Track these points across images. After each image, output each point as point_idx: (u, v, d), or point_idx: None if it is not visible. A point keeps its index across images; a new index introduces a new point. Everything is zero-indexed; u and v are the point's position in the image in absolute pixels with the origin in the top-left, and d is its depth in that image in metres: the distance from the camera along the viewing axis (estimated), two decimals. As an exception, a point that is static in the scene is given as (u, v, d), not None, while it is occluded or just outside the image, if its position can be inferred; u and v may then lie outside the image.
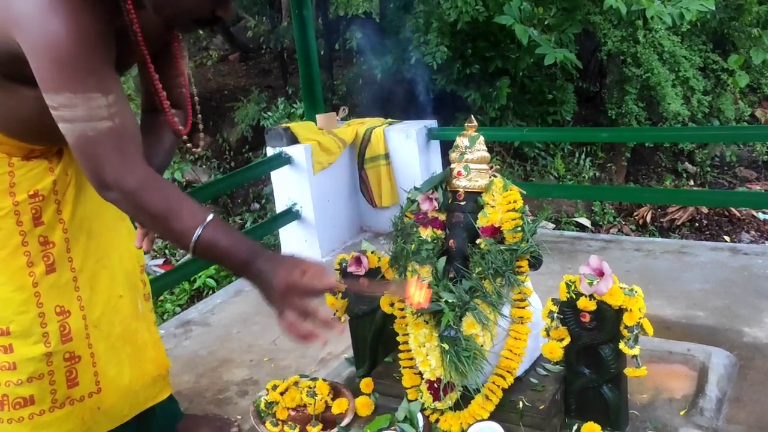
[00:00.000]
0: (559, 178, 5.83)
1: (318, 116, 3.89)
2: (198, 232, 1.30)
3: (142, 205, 1.32)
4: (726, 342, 2.33)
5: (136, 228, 1.63)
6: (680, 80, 5.74)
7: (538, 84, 5.75)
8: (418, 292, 1.52)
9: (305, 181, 3.62)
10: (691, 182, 6.34)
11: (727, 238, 5.37)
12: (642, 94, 5.78)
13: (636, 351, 1.78)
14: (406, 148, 3.81)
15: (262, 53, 8.43)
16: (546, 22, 4.81)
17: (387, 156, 3.85)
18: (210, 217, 1.33)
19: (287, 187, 3.69)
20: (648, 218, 5.58)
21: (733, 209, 5.64)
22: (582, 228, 5.41)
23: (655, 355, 2.21)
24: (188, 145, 1.61)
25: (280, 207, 3.76)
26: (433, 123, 3.98)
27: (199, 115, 1.61)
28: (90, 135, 1.27)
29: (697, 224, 5.52)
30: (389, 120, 4.04)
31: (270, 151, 3.67)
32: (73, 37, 1.22)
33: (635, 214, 5.70)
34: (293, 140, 3.64)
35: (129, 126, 1.33)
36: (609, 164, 6.11)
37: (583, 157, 5.90)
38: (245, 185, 6.34)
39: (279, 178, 3.70)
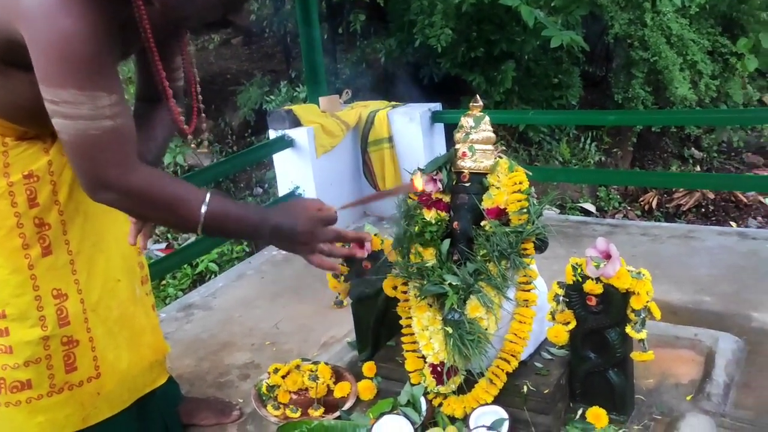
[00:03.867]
0: (564, 162, 5.78)
1: (321, 99, 3.85)
2: (203, 209, 1.33)
3: (149, 201, 1.34)
4: (734, 327, 2.30)
5: None
6: (688, 64, 5.66)
7: (543, 68, 5.68)
8: (417, 179, 1.73)
9: (308, 165, 3.59)
10: (698, 168, 6.27)
11: (733, 223, 5.32)
12: (649, 78, 5.70)
13: (643, 335, 1.75)
14: (410, 131, 3.77)
15: (265, 37, 8.36)
16: (552, 4, 4.74)
17: (390, 139, 3.81)
18: (209, 193, 1.35)
19: (290, 170, 3.66)
20: (654, 204, 5.53)
21: (739, 194, 5.58)
22: (587, 213, 5.37)
23: (662, 340, 2.18)
24: (192, 145, 1.62)
25: (282, 191, 3.72)
26: (437, 106, 3.93)
27: (202, 105, 1.60)
28: (92, 134, 1.26)
29: (703, 210, 5.47)
30: (393, 103, 4.00)
31: (272, 134, 3.64)
32: (84, 35, 1.21)
33: (641, 199, 5.65)
34: (296, 123, 3.60)
35: (129, 126, 1.33)
36: (615, 149, 6.06)
37: (588, 141, 5.84)
38: (248, 169, 6.31)
39: (281, 161, 3.67)
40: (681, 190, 5.63)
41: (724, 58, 6.07)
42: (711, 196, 5.57)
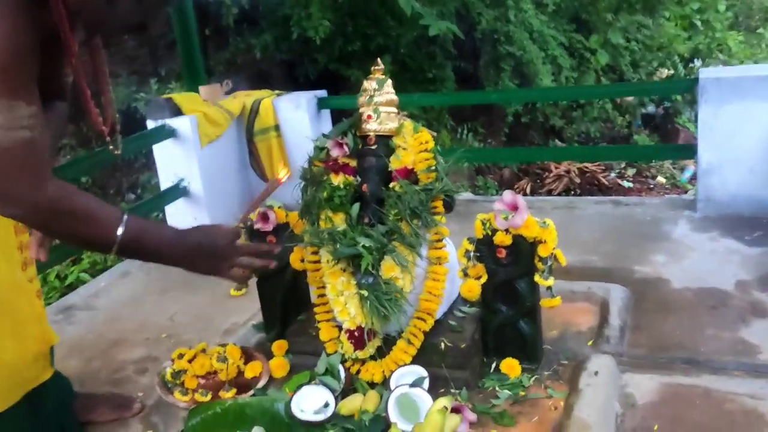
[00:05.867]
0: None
1: (201, 88, 3.70)
2: (120, 230, 1.30)
3: (60, 218, 1.27)
4: (620, 279, 2.46)
5: None
6: (549, 58, 6.06)
7: (418, 62, 5.83)
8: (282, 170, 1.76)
9: (192, 156, 3.43)
10: (561, 158, 6.72)
11: (597, 205, 5.74)
12: (516, 70, 6.03)
13: (551, 282, 1.83)
14: (297, 119, 3.72)
15: (125, 39, 7.94)
16: (427, -6, 4.87)
17: (277, 128, 3.73)
18: (125, 214, 1.33)
19: (172, 161, 3.47)
20: (527, 190, 5.85)
21: (602, 179, 6.04)
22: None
23: (560, 295, 2.27)
24: (110, 147, 1.59)
25: (165, 184, 3.53)
26: (323, 93, 3.91)
27: (117, 115, 1.58)
28: (5, 145, 1.18)
29: (572, 193, 5.85)
30: (277, 91, 3.92)
31: (151, 124, 3.44)
32: (9, 46, 1.16)
33: (515, 186, 5.95)
34: (177, 112, 3.43)
35: (44, 138, 1.27)
36: (489, 140, 6.34)
37: (465, 132, 6.07)
38: (116, 175, 5.93)
39: (163, 152, 3.48)
40: (551, 176, 6.00)
41: (579, 53, 6.56)
42: (577, 180, 5.98)
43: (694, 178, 5.90)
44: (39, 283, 1.78)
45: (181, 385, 1.95)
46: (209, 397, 1.90)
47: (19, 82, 1.20)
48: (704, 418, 1.66)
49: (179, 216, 3.56)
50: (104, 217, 1.31)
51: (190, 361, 1.99)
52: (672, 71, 7.06)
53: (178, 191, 3.47)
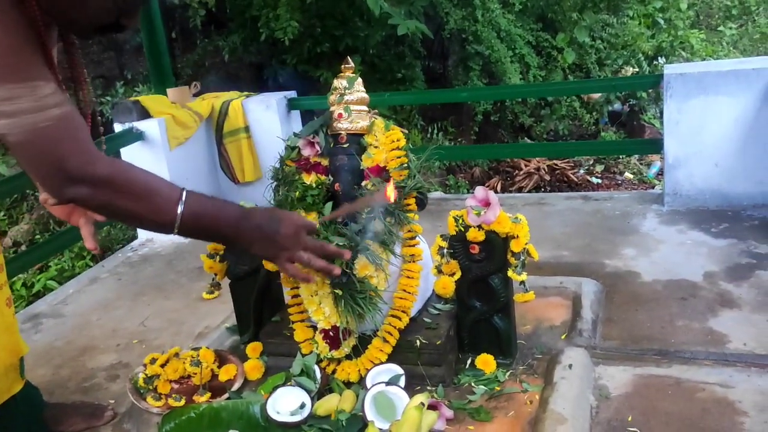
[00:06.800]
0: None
1: (169, 90, 3.65)
2: (180, 208, 1.24)
3: (121, 192, 1.22)
4: (591, 274, 2.49)
5: None
6: (517, 57, 6.11)
7: (387, 63, 5.84)
8: (390, 188, 1.67)
9: (161, 158, 3.38)
10: (530, 155, 6.78)
11: (567, 201, 5.80)
12: (485, 69, 6.07)
13: (524, 277, 1.84)
14: (267, 120, 3.69)
15: (90, 44, 7.81)
16: (395, -6, 4.88)
17: (247, 129, 3.70)
18: (184, 190, 1.27)
19: (141, 165, 3.36)
20: (499, 187, 5.89)
21: (570, 175, 6.11)
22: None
23: (533, 290, 2.29)
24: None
25: (133, 188, 3.46)
26: (292, 93, 3.89)
27: (97, 108, 1.49)
28: (42, 126, 1.14)
29: (542, 190, 5.91)
30: (246, 93, 3.89)
31: (118, 127, 3.38)
32: (6, 26, 1.12)
33: (486, 184, 5.98)
34: (144, 115, 3.38)
35: (77, 112, 1.22)
36: (459, 139, 6.37)
37: (436, 132, 6.09)
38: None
39: (131, 155, 3.42)
40: (521, 174, 6.06)
41: (546, 51, 6.63)
42: (547, 177, 6.04)
43: (660, 174, 6.01)
44: (9, 291, 1.73)
45: (154, 390, 1.92)
46: (183, 401, 1.87)
47: (30, 62, 1.15)
48: (677, 407, 1.69)
49: (149, 220, 3.51)
50: (164, 193, 1.25)
51: (162, 366, 1.97)
52: (637, 69, 7.17)
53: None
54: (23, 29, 1.15)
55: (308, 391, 1.80)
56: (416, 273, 1.87)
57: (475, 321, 1.93)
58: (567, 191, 5.93)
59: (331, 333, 1.85)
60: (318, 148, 1.91)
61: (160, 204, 1.25)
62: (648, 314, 2.18)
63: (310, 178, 1.90)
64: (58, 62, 1.39)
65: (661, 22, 7.18)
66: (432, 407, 1.64)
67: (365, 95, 1.92)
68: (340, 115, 1.89)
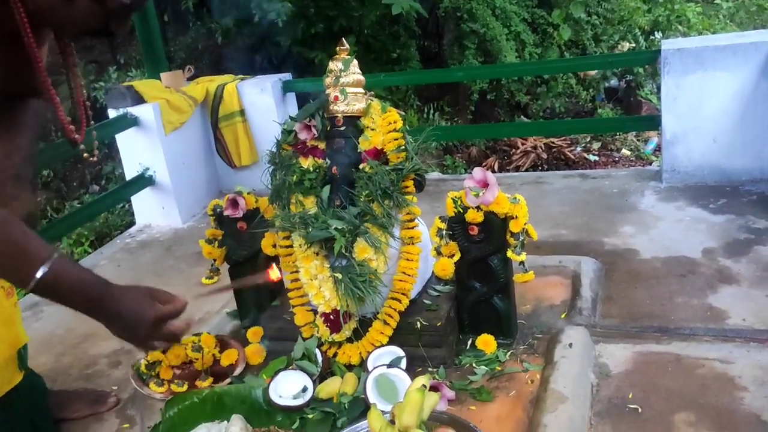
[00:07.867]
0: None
1: (163, 75, 3.62)
2: (46, 266, 1.16)
3: None
4: (590, 252, 2.49)
5: None
6: (513, 34, 6.06)
7: (382, 43, 5.78)
8: (273, 270, 1.64)
9: (156, 144, 3.36)
10: (526, 133, 6.76)
11: (565, 179, 5.79)
12: (480, 48, 6.02)
13: (523, 257, 1.84)
14: (263, 103, 3.66)
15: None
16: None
17: (243, 112, 3.67)
18: (56, 253, 1.20)
19: (136, 150, 3.40)
20: (496, 167, 5.87)
21: (568, 153, 6.10)
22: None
23: (532, 270, 2.30)
24: (85, 155, 1.50)
25: (130, 173, 3.45)
26: (287, 76, 3.85)
27: (90, 112, 1.48)
28: None
29: (539, 169, 5.90)
30: (241, 76, 3.85)
31: (112, 113, 3.35)
32: None
33: (483, 164, 5.97)
34: (138, 100, 3.35)
35: None
36: (456, 118, 6.34)
37: (432, 112, 6.06)
38: (79, 167, 5.80)
39: (126, 142, 3.40)
40: (518, 153, 6.04)
41: (542, 28, 6.57)
42: (544, 156, 6.02)
43: (657, 150, 6.00)
44: (5, 284, 1.73)
45: (157, 376, 1.93)
46: (185, 387, 1.89)
47: None
48: (677, 383, 1.70)
49: (147, 206, 3.50)
50: (31, 247, 1.19)
51: (164, 352, 1.97)
52: (633, 44, 7.12)
53: (143, 181, 3.40)
54: None
55: (310, 375, 1.81)
56: (415, 255, 1.87)
57: (475, 302, 1.93)
58: (564, 169, 5.92)
59: (331, 316, 1.85)
60: (315, 131, 1.89)
61: (21, 262, 1.18)
62: (647, 291, 2.19)
63: (307, 162, 1.90)
64: (49, 49, 1.38)
65: (657, -6, 7.13)
66: (433, 388, 1.65)
67: (361, 77, 1.91)
68: (336, 97, 1.88)
